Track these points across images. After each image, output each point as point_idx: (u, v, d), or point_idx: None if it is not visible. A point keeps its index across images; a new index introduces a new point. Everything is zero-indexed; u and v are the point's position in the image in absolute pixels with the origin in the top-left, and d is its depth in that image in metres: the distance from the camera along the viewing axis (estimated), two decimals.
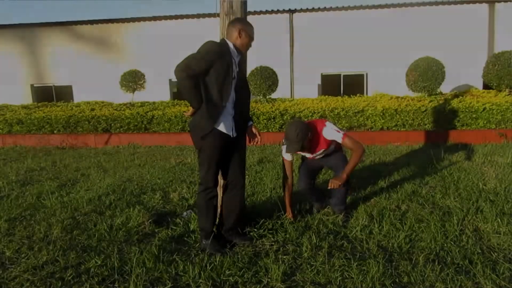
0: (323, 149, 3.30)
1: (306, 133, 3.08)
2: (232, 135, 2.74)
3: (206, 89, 2.58)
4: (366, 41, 13.15)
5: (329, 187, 3.18)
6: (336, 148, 3.45)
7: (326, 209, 3.59)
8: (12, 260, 2.72)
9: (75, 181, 5.37)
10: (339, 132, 3.18)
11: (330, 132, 3.20)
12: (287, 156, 3.32)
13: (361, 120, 8.79)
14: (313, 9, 13.41)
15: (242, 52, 2.80)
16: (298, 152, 3.32)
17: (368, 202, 3.80)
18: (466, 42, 12.57)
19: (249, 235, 3.00)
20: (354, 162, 3.18)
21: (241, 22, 2.74)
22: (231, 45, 2.71)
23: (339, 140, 3.18)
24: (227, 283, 2.30)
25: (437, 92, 9.68)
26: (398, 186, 4.37)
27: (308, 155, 3.41)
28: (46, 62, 15.11)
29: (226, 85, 2.62)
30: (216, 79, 2.57)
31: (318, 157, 3.44)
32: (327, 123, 3.22)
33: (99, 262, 2.60)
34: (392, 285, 2.22)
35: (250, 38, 2.75)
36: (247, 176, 4.81)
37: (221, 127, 2.66)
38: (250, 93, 2.97)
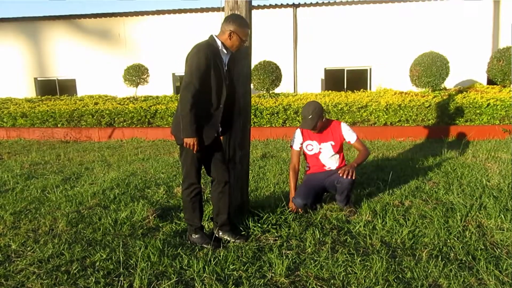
0: (331, 142, 3.45)
1: (321, 112, 3.32)
2: (218, 133, 2.76)
3: (204, 95, 2.57)
4: (370, 36, 13.07)
5: (340, 174, 3.23)
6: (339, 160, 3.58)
7: (330, 205, 3.60)
8: (18, 253, 2.75)
9: (79, 175, 5.40)
10: (354, 132, 3.49)
11: (347, 129, 3.49)
12: (295, 146, 3.57)
13: (365, 116, 8.77)
14: (317, 3, 13.33)
15: (231, 51, 2.72)
16: (307, 140, 3.51)
17: (371, 197, 3.80)
18: (471, 37, 12.46)
19: (244, 232, 2.97)
20: (364, 157, 3.43)
21: (235, 23, 2.60)
22: (219, 43, 2.64)
23: (353, 140, 3.46)
24: (231, 277, 2.32)
25: (441, 88, 9.63)
26: (401, 182, 4.37)
27: (315, 145, 3.50)
28: (49, 56, 15.11)
29: (220, 86, 2.63)
30: (215, 83, 2.59)
31: (324, 160, 3.52)
32: (345, 123, 3.51)
33: (104, 256, 2.62)
34: (395, 280, 2.23)
35: (241, 41, 2.63)
36: (250, 171, 4.82)
37: None
38: (235, 89, 2.91)
